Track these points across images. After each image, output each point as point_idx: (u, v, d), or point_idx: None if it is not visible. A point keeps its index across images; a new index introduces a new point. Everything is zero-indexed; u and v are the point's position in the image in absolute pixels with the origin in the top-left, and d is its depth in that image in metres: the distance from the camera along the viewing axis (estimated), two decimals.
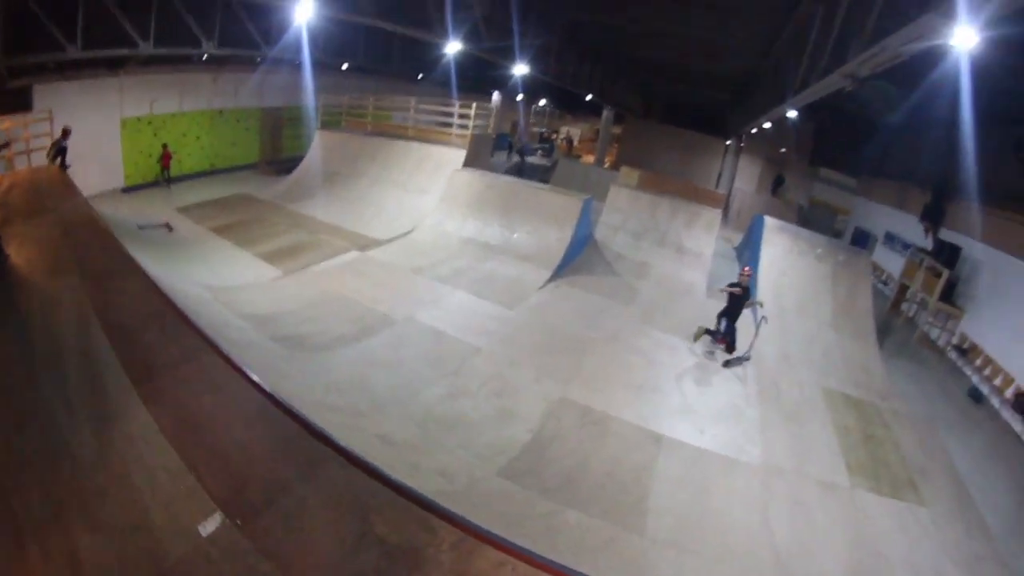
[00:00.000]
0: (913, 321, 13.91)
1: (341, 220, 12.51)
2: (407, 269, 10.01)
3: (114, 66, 14.52)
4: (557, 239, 11.06)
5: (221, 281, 8.76)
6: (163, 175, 16.02)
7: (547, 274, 10.35)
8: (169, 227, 11.54)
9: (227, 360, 3.42)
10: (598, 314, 9.31)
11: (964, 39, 4.78)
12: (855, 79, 7.33)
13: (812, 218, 22.40)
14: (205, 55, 14.95)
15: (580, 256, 11.60)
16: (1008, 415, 9.65)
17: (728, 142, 26.03)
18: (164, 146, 16.02)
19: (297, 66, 17.30)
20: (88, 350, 3.56)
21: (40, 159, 11.26)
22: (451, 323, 8.06)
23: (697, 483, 5.64)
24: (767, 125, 18.55)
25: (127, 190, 15.31)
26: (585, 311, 9.34)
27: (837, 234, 21.79)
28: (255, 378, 3.26)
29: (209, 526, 2.23)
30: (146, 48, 13.07)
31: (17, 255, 5.60)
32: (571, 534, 4.48)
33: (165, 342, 3.63)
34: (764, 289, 10.69)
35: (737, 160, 25.47)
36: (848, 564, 4.97)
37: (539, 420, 6.09)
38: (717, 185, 25.08)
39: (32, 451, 2.68)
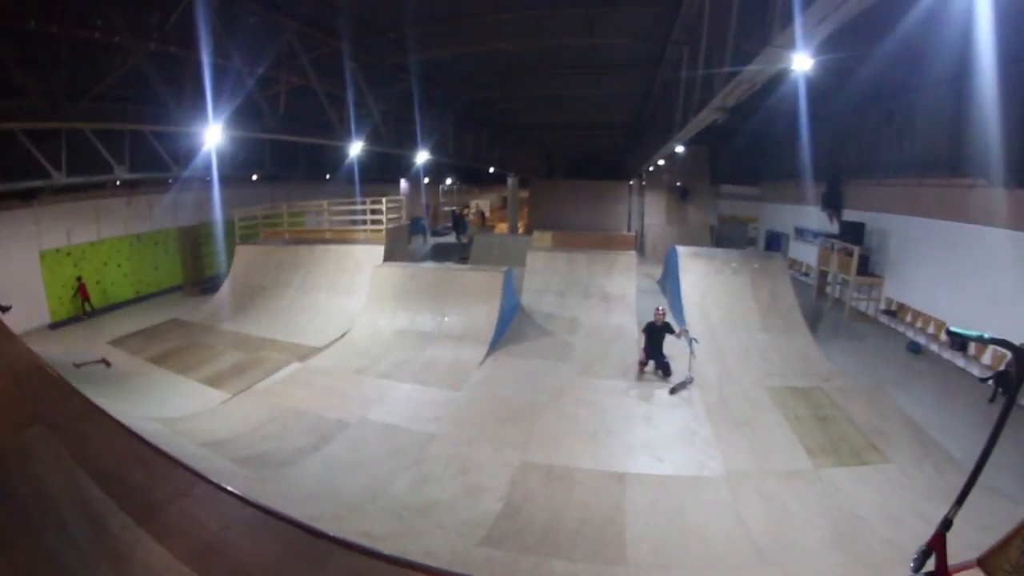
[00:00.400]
0: (840, 301, 15.27)
1: (275, 333, 12.62)
2: (349, 371, 10.28)
3: (27, 197, 14.29)
4: (486, 315, 11.61)
5: (170, 412, 8.75)
6: (84, 308, 15.67)
7: (484, 350, 10.84)
8: (107, 362, 11.34)
9: (217, 487, 3.64)
10: (540, 376, 9.86)
11: (801, 64, 5.58)
12: (725, 110, 8.24)
13: (725, 233, 24.39)
14: (118, 180, 14.98)
15: (511, 325, 12.22)
16: (948, 355, 10.93)
17: (631, 182, 27.71)
18: (78, 279, 15.69)
19: (208, 182, 17.44)
20: (81, 499, 3.57)
21: None
22: (403, 415, 8.40)
23: (667, 507, 6.09)
24: (661, 162, 20.09)
25: (53, 326, 14.82)
26: (527, 376, 9.88)
27: (752, 241, 23.80)
28: (249, 498, 3.53)
29: None
30: (59, 177, 12.90)
31: None
32: None
33: (154, 480, 3.75)
34: (691, 313, 11.59)
35: (643, 198, 27.16)
36: (829, 535, 5.50)
37: (506, 488, 6.46)
38: (628, 224, 26.63)
39: None
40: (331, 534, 3.16)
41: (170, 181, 16.94)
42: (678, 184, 25.30)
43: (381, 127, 13.93)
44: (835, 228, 16.48)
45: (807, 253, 18.92)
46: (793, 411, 8.36)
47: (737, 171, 24.24)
